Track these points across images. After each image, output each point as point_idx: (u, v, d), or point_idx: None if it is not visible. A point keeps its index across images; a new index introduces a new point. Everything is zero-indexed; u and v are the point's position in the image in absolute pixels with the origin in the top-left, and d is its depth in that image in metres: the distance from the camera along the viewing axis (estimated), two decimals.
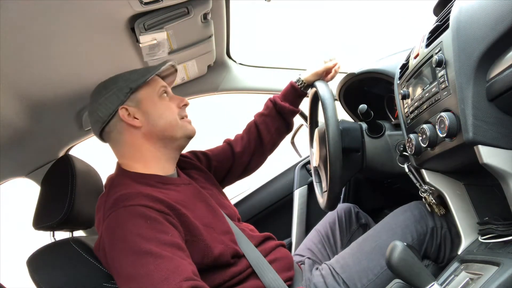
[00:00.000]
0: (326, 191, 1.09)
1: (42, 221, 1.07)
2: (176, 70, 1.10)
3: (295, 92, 1.23)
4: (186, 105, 1.04)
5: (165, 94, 1.02)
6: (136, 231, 0.81)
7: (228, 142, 1.25)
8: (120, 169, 1.00)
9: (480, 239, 0.84)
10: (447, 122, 0.74)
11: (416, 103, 0.91)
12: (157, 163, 0.99)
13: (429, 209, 1.01)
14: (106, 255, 0.85)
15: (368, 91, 1.40)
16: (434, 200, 0.97)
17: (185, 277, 0.76)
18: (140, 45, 1.08)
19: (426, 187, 0.97)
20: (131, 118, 0.97)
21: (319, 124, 1.33)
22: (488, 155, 0.71)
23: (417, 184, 0.99)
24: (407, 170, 1.02)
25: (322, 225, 1.32)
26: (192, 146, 1.12)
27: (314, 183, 1.32)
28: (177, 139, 1.00)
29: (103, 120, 0.97)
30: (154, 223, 0.83)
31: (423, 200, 1.00)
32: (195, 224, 0.89)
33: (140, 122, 0.97)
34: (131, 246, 0.79)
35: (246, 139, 1.24)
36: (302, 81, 1.22)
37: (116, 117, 0.97)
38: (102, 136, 1.01)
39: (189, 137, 1.03)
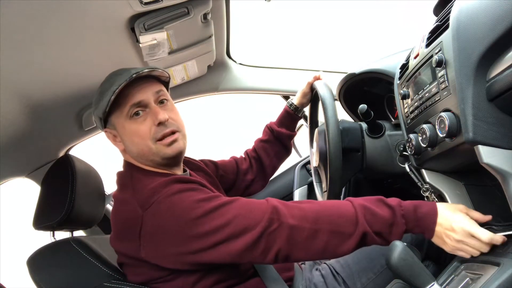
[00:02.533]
0: (326, 191, 1.09)
1: (42, 221, 1.07)
2: (154, 70, 0.94)
3: (290, 117, 1.28)
4: (160, 122, 0.91)
5: (138, 113, 0.91)
6: (196, 198, 0.81)
7: (234, 159, 1.29)
8: (131, 165, 0.96)
9: None
10: (447, 122, 0.74)
11: (416, 103, 0.91)
12: (161, 169, 0.96)
13: None
14: (158, 241, 0.82)
15: (368, 91, 1.40)
16: (436, 199, 0.97)
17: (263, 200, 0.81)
18: (140, 45, 1.08)
19: (427, 186, 0.97)
20: (116, 142, 0.96)
21: (319, 124, 1.33)
22: (488, 155, 0.70)
23: (419, 184, 0.99)
24: (408, 169, 1.02)
25: None
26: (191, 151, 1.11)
27: (314, 183, 1.32)
28: (159, 162, 0.94)
29: (101, 129, 1.00)
30: (202, 190, 0.85)
31: (426, 199, 1.00)
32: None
33: (122, 145, 0.96)
34: (199, 211, 0.80)
35: (249, 161, 1.29)
36: (295, 105, 1.27)
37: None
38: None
39: (169, 158, 0.93)
